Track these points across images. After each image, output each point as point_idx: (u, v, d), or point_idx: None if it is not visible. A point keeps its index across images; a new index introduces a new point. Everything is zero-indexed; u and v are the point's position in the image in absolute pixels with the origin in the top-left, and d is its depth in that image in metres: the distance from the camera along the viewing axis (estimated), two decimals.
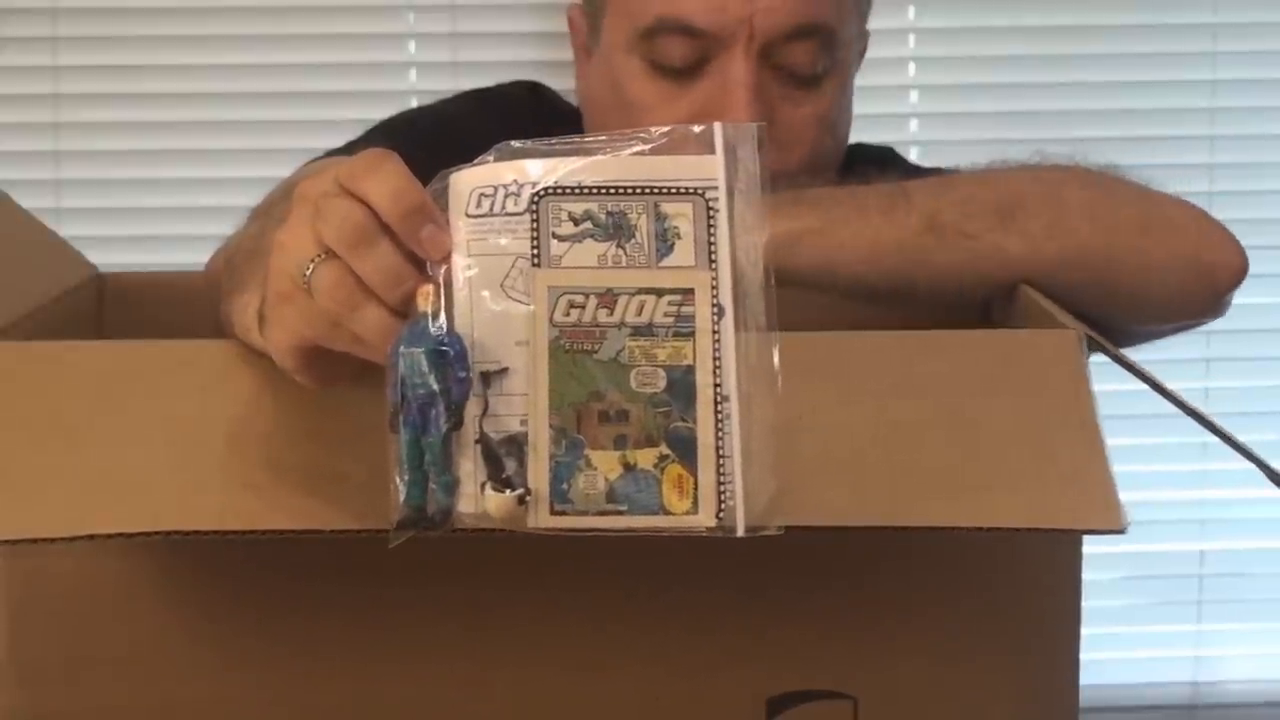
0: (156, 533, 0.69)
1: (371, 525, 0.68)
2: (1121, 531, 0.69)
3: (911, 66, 2.13)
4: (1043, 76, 2.11)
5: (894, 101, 2.11)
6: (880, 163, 1.18)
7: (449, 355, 0.65)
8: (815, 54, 1.10)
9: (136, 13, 2.08)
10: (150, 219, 2.10)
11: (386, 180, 0.67)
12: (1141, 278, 0.99)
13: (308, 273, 0.67)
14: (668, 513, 0.65)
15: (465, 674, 0.77)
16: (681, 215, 0.66)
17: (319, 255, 0.67)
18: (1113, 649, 2.15)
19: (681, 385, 0.66)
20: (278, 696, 0.77)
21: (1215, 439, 0.76)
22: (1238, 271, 1.02)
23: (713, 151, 0.67)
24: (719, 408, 0.66)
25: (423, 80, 2.12)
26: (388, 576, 0.76)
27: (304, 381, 0.71)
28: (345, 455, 0.71)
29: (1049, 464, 0.71)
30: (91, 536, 0.68)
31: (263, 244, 0.78)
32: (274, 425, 0.73)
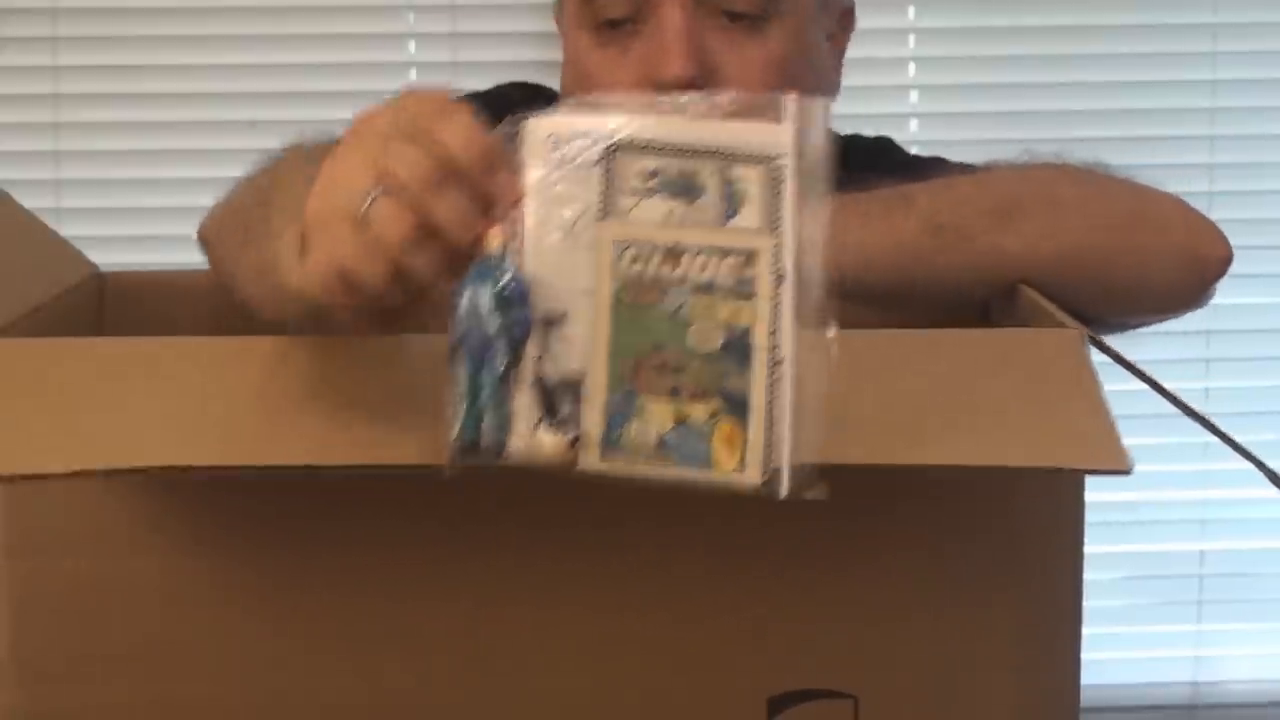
0: (151, 468, 0.68)
1: (384, 460, 0.69)
2: (1127, 472, 0.68)
3: (911, 66, 2.13)
4: (1043, 76, 2.11)
5: (894, 101, 2.11)
6: (876, 153, 1.18)
7: (512, 296, 0.66)
8: None
9: (136, 13, 2.08)
10: (150, 219, 2.09)
11: (459, 126, 0.69)
12: (1138, 272, 1.00)
13: (365, 206, 0.68)
14: (716, 468, 0.66)
15: (466, 670, 0.77)
16: (750, 180, 0.67)
17: (377, 189, 0.68)
18: (1113, 649, 2.15)
19: (738, 345, 0.66)
20: (278, 695, 0.77)
21: (1215, 439, 0.75)
22: (1225, 261, 1.03)
23: (782, 121, 0.69)
24: (773, 370, 0.66)
25: (423, 80, 2.12)
26: (390, 573, 0.76)
27: (337, 314, 0.71)
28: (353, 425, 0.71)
29: (1051, 419, 0.70)
30: (83, 473, 0.68)
31: (282, 198, 0.80)
32: (277, 406, 0.73)
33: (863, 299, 0.94)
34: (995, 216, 0.96)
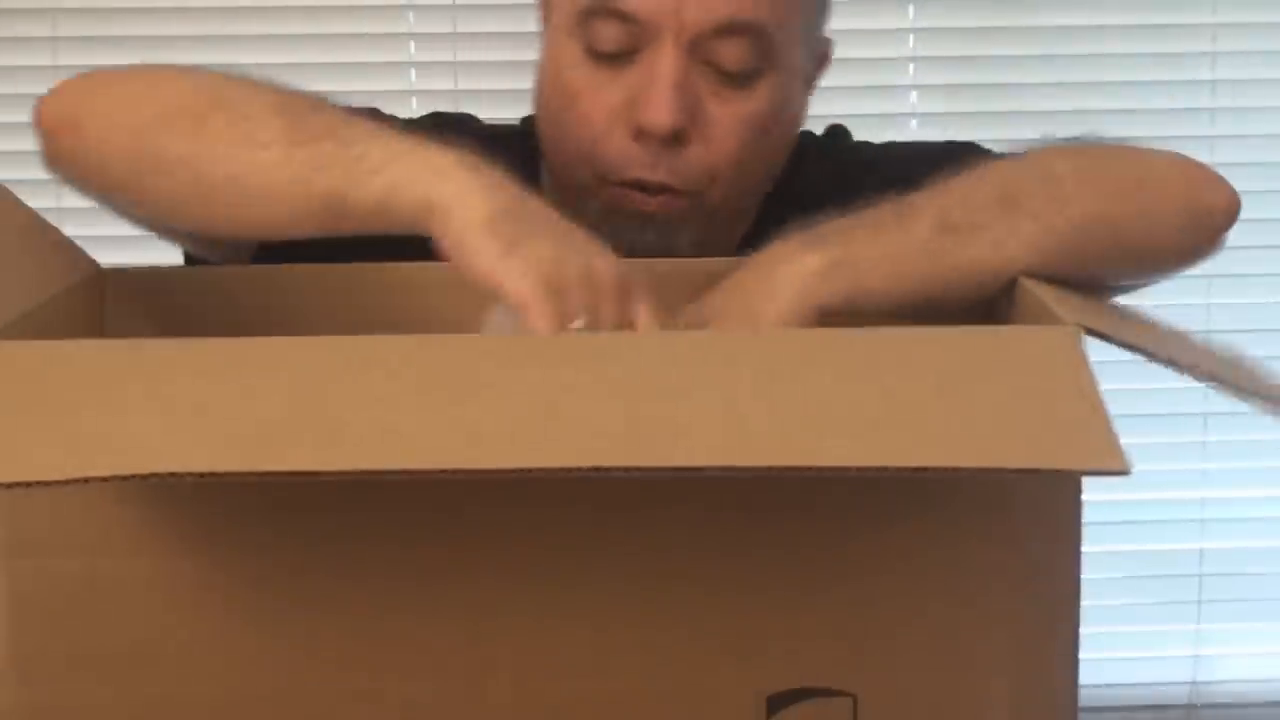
0: (150, 475, 0.68)
1: (386, 465, 0.68)
2: (1125, 473, 0.67)
3: (911, 67, 2.13)
4: (1043, 76, 2.11)
5: (894, 101, 2.11)
6: (829, 146, 1.21)
7: None
8: (745, 53, 1.08)
9: (136, 13, 2.08)
10: None
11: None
12: (1147, 232, 1.02)
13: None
14: None
15: (463, 672, 0.77)
16: None
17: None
18: (1112, 649, 2.15)
19: None
20: (278, 696, 0.77)
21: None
22: (1232, 208, 1.06)
23: None
24: None
25: (422, 80, 2.12)
26: (388, 577, 0.76)
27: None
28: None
29: (1048, 419, 0.70)
30: (86, 480, 0.68)
31: (348, 130, 1.07)
32: (278, 408, 0.73)
33: (893, 312, 0.94)
34: (1001, 205, 0.97)
